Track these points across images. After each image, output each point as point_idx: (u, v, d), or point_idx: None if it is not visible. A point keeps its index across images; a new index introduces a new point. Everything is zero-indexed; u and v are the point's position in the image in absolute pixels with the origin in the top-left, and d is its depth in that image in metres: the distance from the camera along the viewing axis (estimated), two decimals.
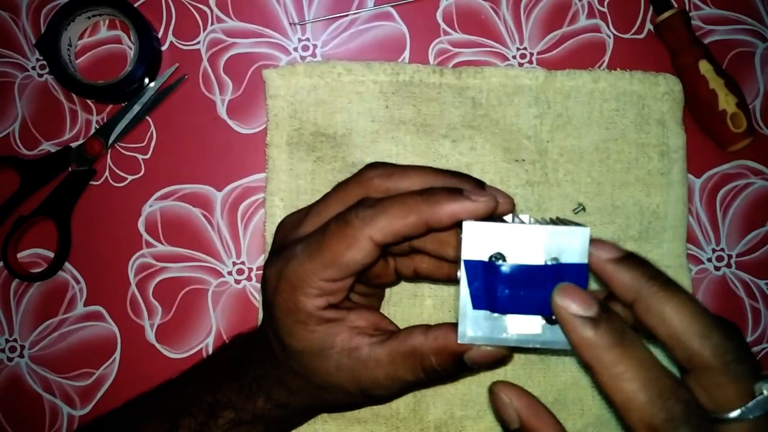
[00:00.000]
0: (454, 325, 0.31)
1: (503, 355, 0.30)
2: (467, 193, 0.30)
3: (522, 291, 0.28)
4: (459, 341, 0.29)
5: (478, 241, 0.28)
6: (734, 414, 0.25)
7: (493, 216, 0.30)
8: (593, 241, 0.28)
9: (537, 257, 0.28)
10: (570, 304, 0.26)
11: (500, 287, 0.28)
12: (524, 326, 0.29)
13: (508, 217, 0.32)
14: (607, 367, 0.25)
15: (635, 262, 0.28)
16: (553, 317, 0.28)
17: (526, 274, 0.28)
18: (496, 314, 0.29)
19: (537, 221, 0.31)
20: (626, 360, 0.25)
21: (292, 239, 0.33)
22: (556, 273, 0.28)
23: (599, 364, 0.25)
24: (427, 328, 0.32)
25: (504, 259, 0.28)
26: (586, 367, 0.26)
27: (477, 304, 0.29)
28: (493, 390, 0.30)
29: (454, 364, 0.31)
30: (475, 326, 0.29)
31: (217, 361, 0.40)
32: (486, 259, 0.28)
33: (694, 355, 0.26)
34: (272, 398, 0.35)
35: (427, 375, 0.31)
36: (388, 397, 0.35)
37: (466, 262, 0.28)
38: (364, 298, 0.38)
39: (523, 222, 0.31)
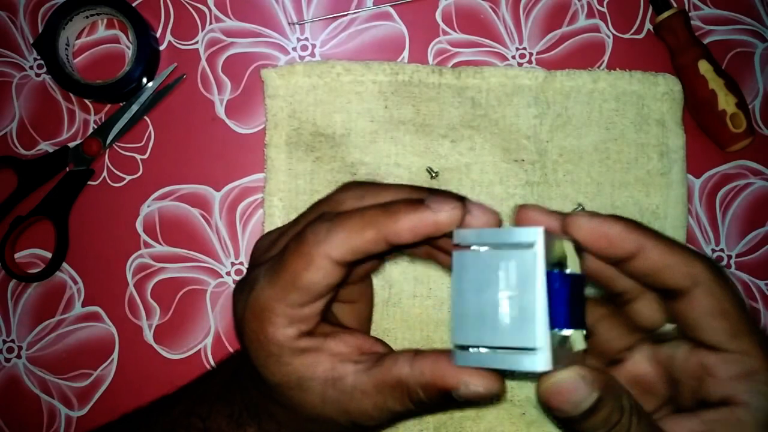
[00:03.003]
0: (442, 353, 0.28)
1: (496, 392, 0.27)
2: (429, 202, 0.27)
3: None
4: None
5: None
6: None
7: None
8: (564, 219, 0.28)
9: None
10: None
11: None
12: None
13: None
14: None
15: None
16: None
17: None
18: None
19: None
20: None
21: (259, 262, 0.30)
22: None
23: None
24: (414, 354, 0.28)
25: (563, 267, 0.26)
26: None
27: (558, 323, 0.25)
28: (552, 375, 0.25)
29: (442, 398, 0.28)
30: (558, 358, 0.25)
31: (209, 381, 0.38)
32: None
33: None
34: (263, 428, 0.33)
35: (416, 407, 0.29)
36: (379, 427, 0.31)
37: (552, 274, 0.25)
38: (347, 308, 0.34)
39: None
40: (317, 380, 0.29)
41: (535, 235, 0.24)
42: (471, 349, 0.26)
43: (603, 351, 0.31)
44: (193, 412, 0.35)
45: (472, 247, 0.26)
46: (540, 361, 0.24)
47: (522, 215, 0.28)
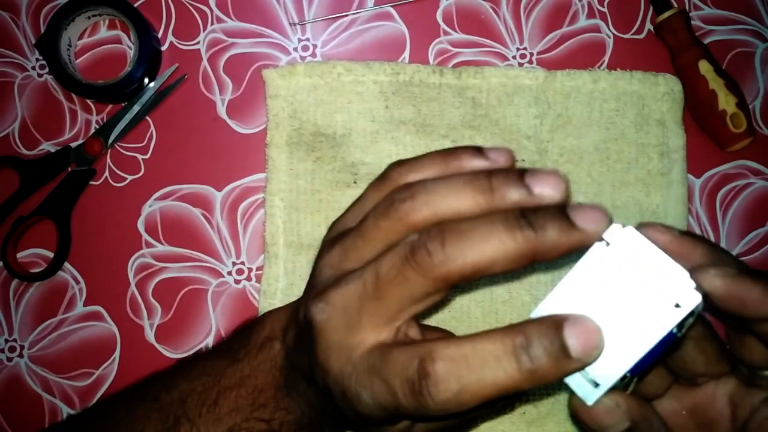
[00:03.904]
0: None
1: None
2: (575, 214, 0.24)
3: None
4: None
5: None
6: None
7: None
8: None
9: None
10: None
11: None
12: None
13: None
14: None
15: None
16: None
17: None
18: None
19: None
20: None
21: (356, 339, 0.26)
22: None
23: None
24: None
25: None
26: None
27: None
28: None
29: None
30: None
31: (245, 380, 0.34)
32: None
33: None
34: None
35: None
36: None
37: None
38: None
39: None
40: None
41: (692, 305, 0.23)
42: None
43: (681, 368, 0.29)
44: (251, 416, 0.33)
45: (618, 252, 0.24)
46: (591, 396, 0.24)
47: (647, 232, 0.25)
